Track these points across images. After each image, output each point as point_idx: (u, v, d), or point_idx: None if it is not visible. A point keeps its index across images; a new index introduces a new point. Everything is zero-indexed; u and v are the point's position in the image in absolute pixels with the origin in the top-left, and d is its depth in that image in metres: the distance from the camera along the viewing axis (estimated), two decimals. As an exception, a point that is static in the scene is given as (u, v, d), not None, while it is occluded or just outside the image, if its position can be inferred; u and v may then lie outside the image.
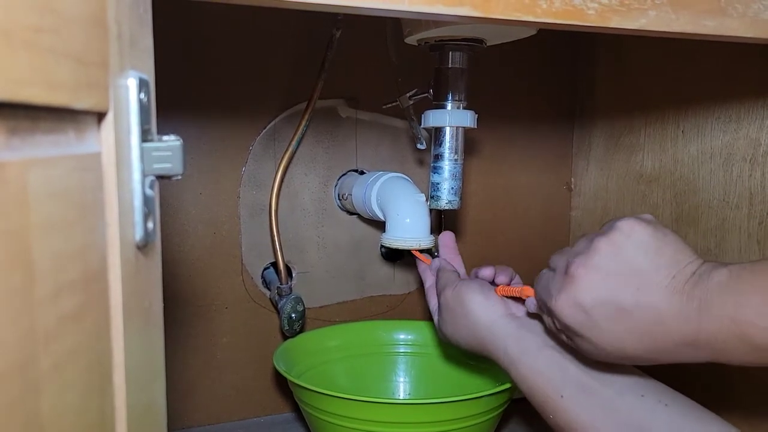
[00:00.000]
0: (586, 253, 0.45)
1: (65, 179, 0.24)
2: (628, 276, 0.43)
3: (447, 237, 0.71)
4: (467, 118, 0.69)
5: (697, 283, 0.41)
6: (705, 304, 0.40)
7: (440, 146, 0.70)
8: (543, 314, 0.50)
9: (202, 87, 0.76)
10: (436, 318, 0.64)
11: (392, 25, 0.75)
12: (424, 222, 0.71)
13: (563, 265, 0.47)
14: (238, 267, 0.80)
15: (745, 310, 0.39)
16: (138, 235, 0.29)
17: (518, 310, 0.58)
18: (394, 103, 0.78)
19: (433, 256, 0.70)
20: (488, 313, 0.57)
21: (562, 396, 0.50)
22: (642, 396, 0.49)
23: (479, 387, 0.65)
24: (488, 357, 0.57)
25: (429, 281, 0.68)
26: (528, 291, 0.55)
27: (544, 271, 0.51)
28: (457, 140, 0.70)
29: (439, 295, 0.63)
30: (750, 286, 0.39)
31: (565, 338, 0.48)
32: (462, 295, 0.59)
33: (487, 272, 0.63)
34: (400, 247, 0.70)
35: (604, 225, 0.47)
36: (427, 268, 0.69)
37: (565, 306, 0.45)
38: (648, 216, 0.46)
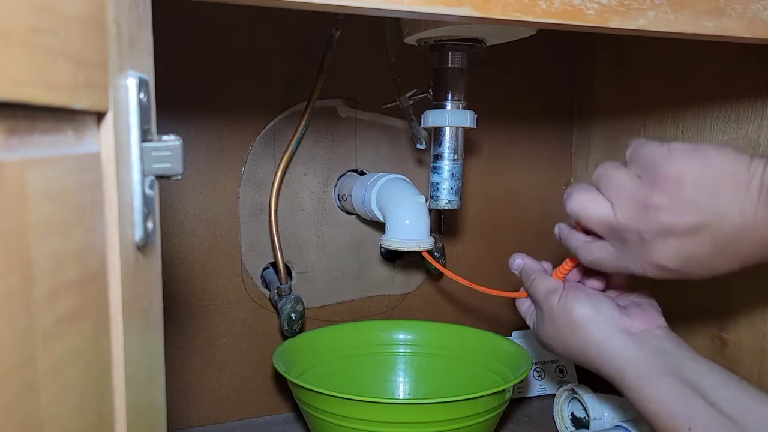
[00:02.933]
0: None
1: (64, 179, 0.24)
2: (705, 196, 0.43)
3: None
4: (467, 118, 0.69)
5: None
6: None
7: (440, 146, 0.70)
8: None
9: (202, 87, 0.76)
10: (530, 322, 0.60)
11: (392, 25, 0.75)
12: (423, 223, 0.71)
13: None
14: (237, 267, 0.80)
15: None
16: (138, 235, 0.29)
17: (633, 322, 0.53)
18: (393, 103, 0.78)
19: (433, 257, 0.69)
20: (600, 330, 0.52)
21: (689, 429, 0.47)
22: None
23: (479, 387, 0.65)
24: (597, 373, 0.53)
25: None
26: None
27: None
28: (456, 140, 0.70)
29: (538, 301, 0.57)
30: None
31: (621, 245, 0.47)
32: (570, 308, 0.54)
33: (594, 282, 0.57)
34: (400, 249, 0.70)
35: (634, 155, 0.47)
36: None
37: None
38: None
